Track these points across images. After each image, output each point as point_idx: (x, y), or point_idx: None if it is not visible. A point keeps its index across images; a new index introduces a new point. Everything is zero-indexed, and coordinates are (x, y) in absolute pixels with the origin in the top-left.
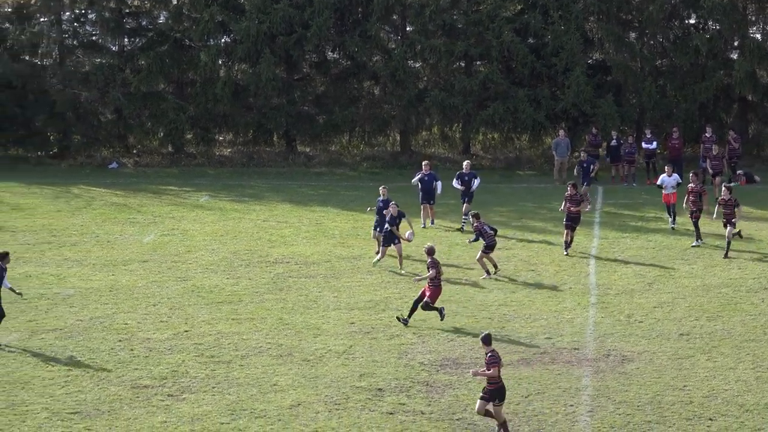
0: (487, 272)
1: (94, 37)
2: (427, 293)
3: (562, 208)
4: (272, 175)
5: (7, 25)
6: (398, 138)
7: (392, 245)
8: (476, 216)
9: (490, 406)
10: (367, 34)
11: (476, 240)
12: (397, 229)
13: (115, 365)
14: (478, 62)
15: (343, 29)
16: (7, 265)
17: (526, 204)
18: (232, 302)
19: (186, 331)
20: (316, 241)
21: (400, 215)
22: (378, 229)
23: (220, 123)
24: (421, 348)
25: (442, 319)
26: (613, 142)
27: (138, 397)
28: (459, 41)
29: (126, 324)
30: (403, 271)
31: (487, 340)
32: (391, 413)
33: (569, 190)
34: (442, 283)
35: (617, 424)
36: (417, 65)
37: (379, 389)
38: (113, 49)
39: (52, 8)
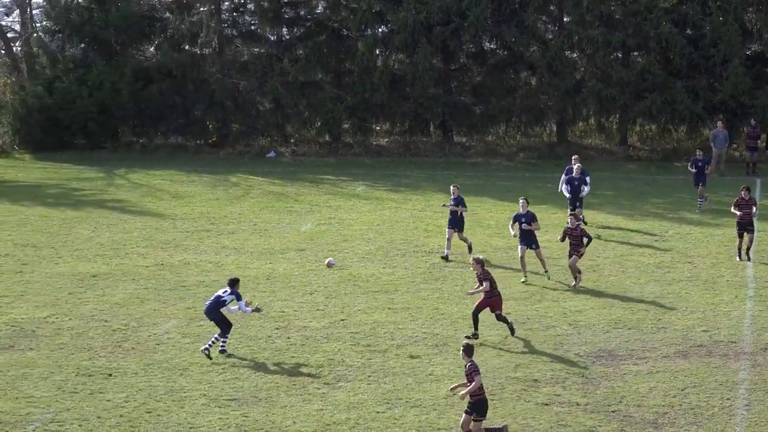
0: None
1: (252, 27)
2: (489, 307)
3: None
4: (428, 165)
5: (168, 15)
6: (554, 128)
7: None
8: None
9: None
10: (525, 24)
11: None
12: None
13: (272, 353)
14: (635, 53)
15: (500, 19)
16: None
17: (682, 196)
18: (388, 291)
19: (342, 320)
20: (472, 231)
21: (530, 217)
22: (451, 227)
23: (376, 113)
24: (577, 339)
25: (512, 334)
26: None
27: (294, 384)
28: (616, 32)
29: (283, 312)
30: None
31: (468, 351)
32: (547, 404)
33: (742, 194)
34: (499, 291)
35: None
36: (574, 56)
37: (535, 380)
38: (272, 38)
39: None
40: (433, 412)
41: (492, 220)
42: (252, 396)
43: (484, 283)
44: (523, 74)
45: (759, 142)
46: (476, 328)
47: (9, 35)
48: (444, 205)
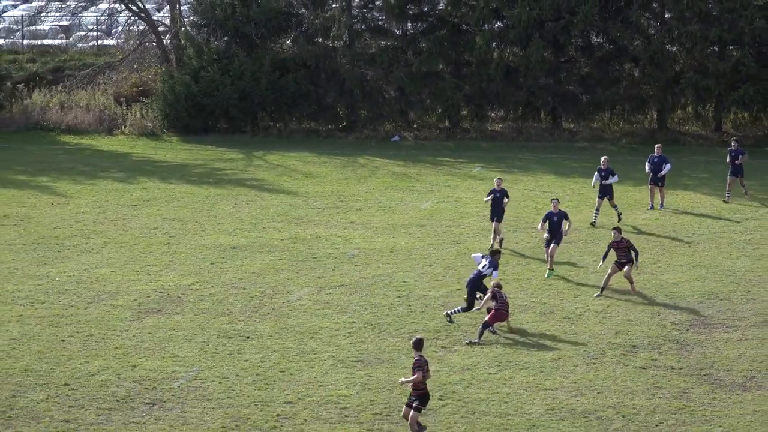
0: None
1: (380, 22)
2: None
3: None
4: (539, 149)
5: (303, 11)
6: (655, 116)
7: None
8: None
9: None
10: (629, 20)
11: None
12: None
13: (394, 319)
14: (730, 47)
15: (606, 16)
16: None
17: None
18: (501, 264)
19: (458, 290)
20: (579, 210)
21: (562, 215)
22: (494, 219)
23: (492, 100)
24: (673, 309)
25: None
26: None
27: None
28: (713, 27)
29: (404, 282)
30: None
31: (417, 345)
32: (644, 368)
33: None
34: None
35: None
36: (674, 49)
37: (633, 346)
38: (397, 32)
39: None
40: (540, 374)
41: (595, 200)
42: (375, 358)
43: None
44: (627, 66)
45: None
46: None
47: (160, 29)
48: (486, 200)
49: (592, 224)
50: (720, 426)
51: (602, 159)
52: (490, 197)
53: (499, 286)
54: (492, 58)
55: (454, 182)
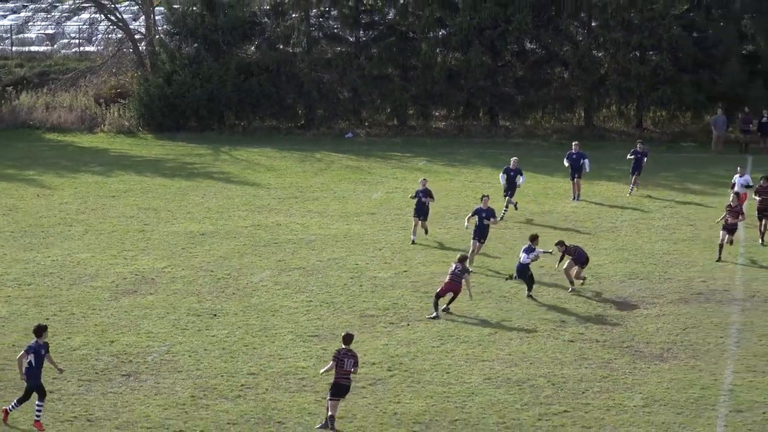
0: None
1: (335, 30)
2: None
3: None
4: (478, 144)
5: (266, 20)
6: (582, 114)
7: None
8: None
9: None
10: (559, 28)
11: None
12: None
13: (347, 298)
14: (650, 52)
15: (539, 24)
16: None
17: (687, 170)
18: (443, 248)
19: (405, 271)
20: (515, 198)
21: (490, 212)
22: (417, 215)
23: (436, 101)
24: (598, 288)
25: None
26: (764, 119)
27: (365, 324)
28: (635, 34)
29: (356, 264)
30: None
31: (344, 339)
32: (572, 341)
33: (761, 182)
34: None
35: (759, 353)
36: (599, 54)
37: (562, 321)
38: (351, 40)
39: (302, 6)
40: (479, 347)
41: (530, 190)
42: (330, 333)
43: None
44: (557, 69)
45: (751, 126)
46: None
47: (136, 37)
48: (412, 197)
49: (502, 218)
50: (640, 393)
51: (512, 160)
52: (415, 198)
53: (460, 259)
54: (436, 62)
55: (402, 174)
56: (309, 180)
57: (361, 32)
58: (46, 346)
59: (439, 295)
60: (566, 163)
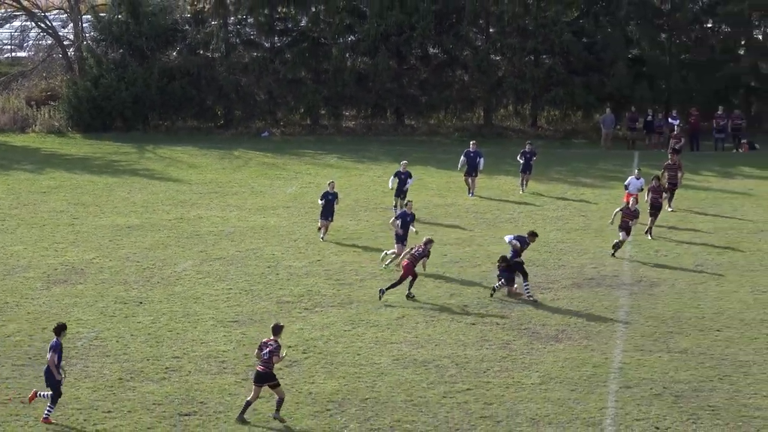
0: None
1: (252, 37)
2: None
3: (647, 199)
4: (385, 142)
5: (187, 27)
6: (482, 114)
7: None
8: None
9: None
10: (460, 34)
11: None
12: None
13: (265, 285)
14: (544, 56)
15: (441, 30)
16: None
17: (579, 165)
18: (353, 238)
19: (318, 260)
20: (419, 192)
21: (413, 216)
22: (323, 217)
23: (346, 102)
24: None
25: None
26: (649, 118)
27: (282, 309)
28: (530, 40)
29: (273, 254)
30: (383, 265)
31: (276, 330)
32: (473, 324)
33: (653, 182)
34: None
35: (646, 334)
36: (497, 58)
37: (465, 305)
38: (266, 45)
39: (221, 14)
40: (387, 330)
41: (434, 184)
42: (249, 318)
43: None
44: (458, 72)
45: (637, 124)
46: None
47: (65, 43)
48: (321, 202)
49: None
50: (537, 371)
51: (402, 163)
52: (322, 201)
53: (425, 242)
54: (346, 66)
55: (315, 170)
56: (228, 176)
57: (276, 38)
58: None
59: (401, 280)
60: (462, 160)
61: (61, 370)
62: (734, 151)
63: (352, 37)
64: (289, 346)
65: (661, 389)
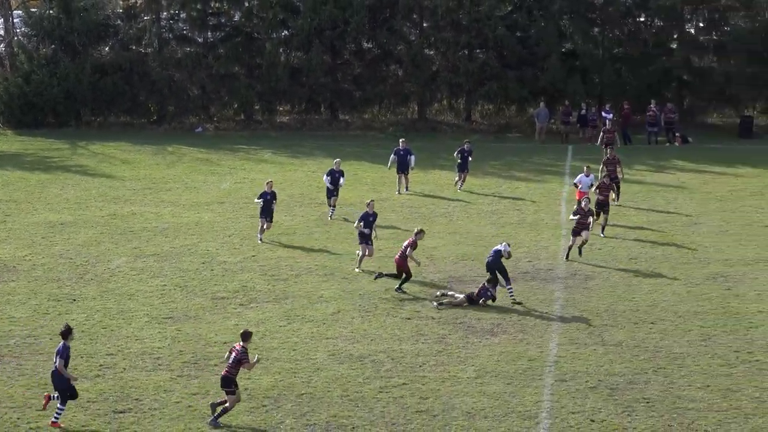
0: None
1: (184, 32)
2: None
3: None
4: (320, 137)
5: (119, 22)
6: (416, 108)
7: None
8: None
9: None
10: (394, 28)
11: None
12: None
13: (199, 282)
14: (477, 50)
15: (375, 25)
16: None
17: (513, 159)
18: (288, 234)
19: (253, 256)
20: (354, 187)
21: (375, 216)
22: (264, 217)
23: (280, 97)
24: (433, 269)
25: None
26: (583, 112)
27: (216, 306)
28: (464, 34)
29: (207, 250)
30: (357, 270)
31: (244, 336)
32: (409, 318)
33: (603, 180)
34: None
35: (581, 327)
36: (431, 53)
37: (400, 300)
38: (199, 40)
39: (153, 9)
40: (323, 325)
41: (368, 179)
42: (183, 315)
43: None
44: (392, 67)
45: (571, 117)
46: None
47: None
48: (256, 202)
49: (330, 217)
50: (473, 365)
51: (335, 161)
52: (260, 201)
53: (415, 232)
54: (279, 61)
55: (249, 166)
56: (162, 172)
57: (209, 33)
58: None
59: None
60: (392, 158)
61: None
62: (668, 144)
63: (285, 32)
64: (225, 343)
65: (596, 382)
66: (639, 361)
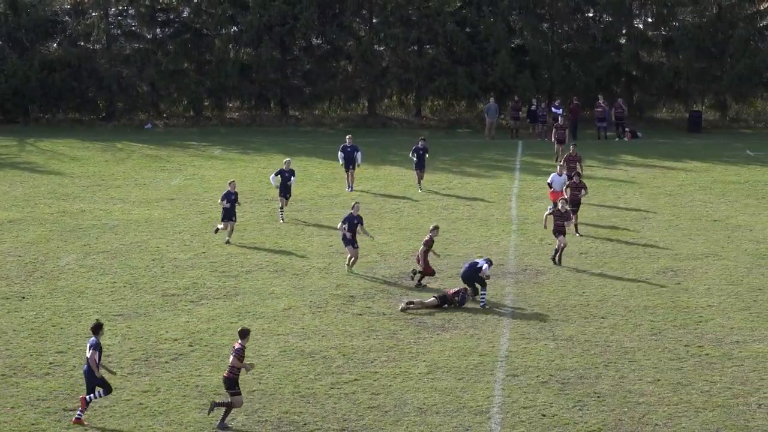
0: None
1: (133, 28)
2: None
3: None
4: (270, 133)
5: (67, 18)
6: (366, 104)
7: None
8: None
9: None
10: (343, 24)
11: None
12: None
13: (150, 279)
14: (427, 46)
15: (324, 21)
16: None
17: (463, 155)
18: (239, 230)
19: (204, 253)
20: (304, 183)
21: (360, 219)
22: (227, 219)
23: (230, 93)
24: (383, 264)
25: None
26: (533, 107)
27: (167, 303)
28: (413, 30)
29: (158, 247)
30: (354, 270)
31: (242, 334)
32: (360, 314)
33: (574, 179)
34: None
35: (531, 322)
36: (381, 48)
37: (351, 296)
38: (148, 36)
39: (102, 5)
40: (274, 322)
41: (319, 175)
42: (134, 312)
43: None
44: (342, 63)
45: (520, 113)
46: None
47: None
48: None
49: (282, 220)
50: (424, 361)
51: (285, 161)
52: (226, 203)
53: (431, 229)
54: (229, 57)
55: (199, 162)
56: (111, 169)
57: (158, 29)
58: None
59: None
60: (340, 155)
61: (101, 368)
62: (617, 139)
63: (234, 28)
64: (175, 339)
65: (547, 377)
66: (590, 355)
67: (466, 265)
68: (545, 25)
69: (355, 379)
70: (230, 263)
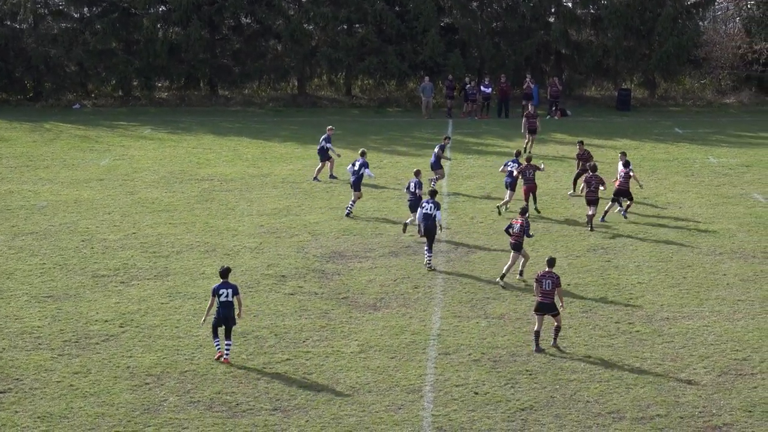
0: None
1: (60, 7)
2: None
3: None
4: (199, 113)
5: None
6: (296, 84)
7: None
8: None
9: None
10: (272, 4)
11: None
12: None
13: (79, 260)
14: (357, 25)
15: (253, 0)
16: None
17: (394, 133)
18: (169, 210)
19: (134, 233)
20: (234, 163)
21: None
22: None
23: (159, 73)
24: (315, 244)
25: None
26: (468, 86)
27: (97, 284)
28: (342, 9)
29: (87, 228)
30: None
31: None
32: (292, 294)
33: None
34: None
35: (463, 300)
36: (310, 28)
37: (283, 276)
38: (76, 16)
39: None
40: (205, 302)
41: (249, 155)
42: (64, 293)
43: None
44: (272, 42)
45: (454, 92)
46: None
47: None
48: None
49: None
50: (356, 340)
51: (328, 128)
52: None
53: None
54: (157, 37)
55: (128, 142)
56: (39, 149)
57: (86, 9)
58: (233, 287)
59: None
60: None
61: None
62: (547, 117)
63: (163, 8)
64: (106, 321)
65: (479, 355)
66: (521, 333)
67: (422, 216)
68: (474, 3)
69: (288, 359)
70: (161, 243)
